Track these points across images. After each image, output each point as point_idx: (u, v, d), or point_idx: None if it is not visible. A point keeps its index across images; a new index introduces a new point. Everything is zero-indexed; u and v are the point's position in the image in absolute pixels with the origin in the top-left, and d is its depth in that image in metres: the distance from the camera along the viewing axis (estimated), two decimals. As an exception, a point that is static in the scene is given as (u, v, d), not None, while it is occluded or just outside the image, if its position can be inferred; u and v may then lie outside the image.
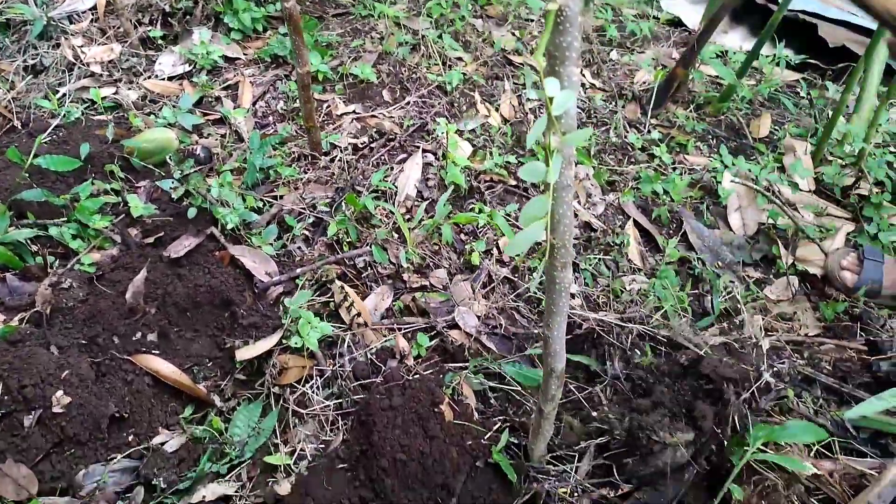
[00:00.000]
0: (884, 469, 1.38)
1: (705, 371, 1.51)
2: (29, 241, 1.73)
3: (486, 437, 1.51)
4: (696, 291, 1.90)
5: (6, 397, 1.40)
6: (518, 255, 1.86)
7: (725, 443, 1.48)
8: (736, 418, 1.51)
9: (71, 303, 1.63)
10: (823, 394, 1.64)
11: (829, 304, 1.86)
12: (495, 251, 1.92)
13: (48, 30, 2.33)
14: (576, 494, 1.47)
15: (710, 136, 2.47)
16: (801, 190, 2.21)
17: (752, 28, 3.19)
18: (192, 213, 1.85)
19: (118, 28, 2.41)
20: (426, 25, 2.66)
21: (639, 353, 1.65)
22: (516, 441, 1.52)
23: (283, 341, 1.63)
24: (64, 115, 2.09)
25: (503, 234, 1.91)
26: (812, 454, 1.51)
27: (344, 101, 2.34)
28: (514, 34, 2.78)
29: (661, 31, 3.05)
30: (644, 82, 2.64)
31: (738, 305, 1.82)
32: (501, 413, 1.59)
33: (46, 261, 1.71)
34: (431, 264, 1.84)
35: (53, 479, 1.38)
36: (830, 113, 2.34)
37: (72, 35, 2.35)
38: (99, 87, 2.23)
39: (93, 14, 2.45)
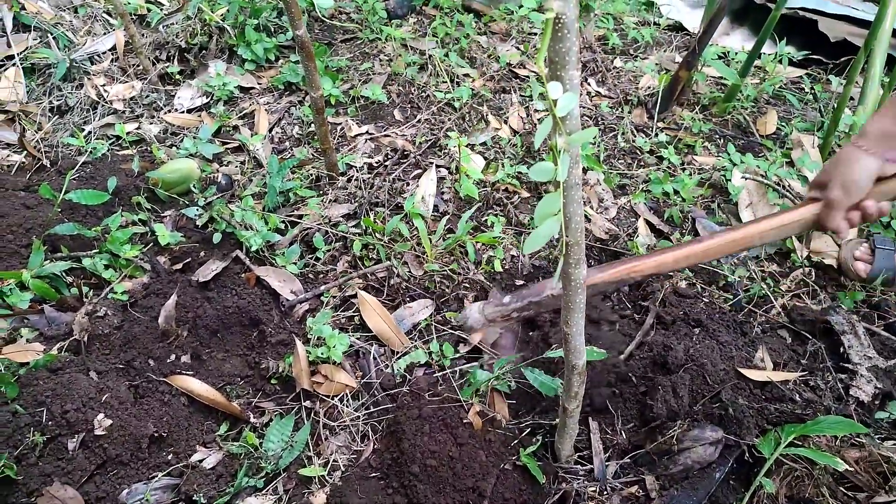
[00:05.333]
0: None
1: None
2: (64, 274, 1.80)
3: (514, 440, 1.54)
4: (711, 289, 1.93)
5: (50, 423, 1.45)
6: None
7: (756, 440, 1.51)
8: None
9: (107, 330, 1.69)
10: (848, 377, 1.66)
11: (849, 294, 1.88)
12: (509, 264, 1.97)
13: (71, 71, 2.43)
14: (605, 493, 1.49)
15: (717, 136, 2.51)
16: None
17: (752, 28, 3.23)
18: (216, 238, 1.92)
19: (137, 66, 2.51)
20: (432, 45, 2.74)
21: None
22: (544, 442, 1.55)
23: (310, 356, 1.68)
24: (90, 152, 2.18)
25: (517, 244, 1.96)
26: (838, 442, 1.52)
27: (357, 123, 2.41)
28: (518, 48, 2.84)
29: (663, 37, 3.10)
30: (649, 87, 2.69)
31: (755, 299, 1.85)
32: (528, 415, 1.62)
33: (81, 291, 1.78)
34: (453, 275, 1.89)
35: (98, 500, 1.43)
36: (835, 106, 2.36)
37: (94, 75, 2.45)
38: (123, 122, 2.32)
39: (112, 54, 2.55)
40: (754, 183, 2.19)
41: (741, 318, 1.80)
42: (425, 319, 1.80)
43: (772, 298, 1.86)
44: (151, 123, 2.36)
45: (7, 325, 1.67)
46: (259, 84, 2.58)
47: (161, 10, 2.74)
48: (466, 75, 2.64)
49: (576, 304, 1.17)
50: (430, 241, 1.93)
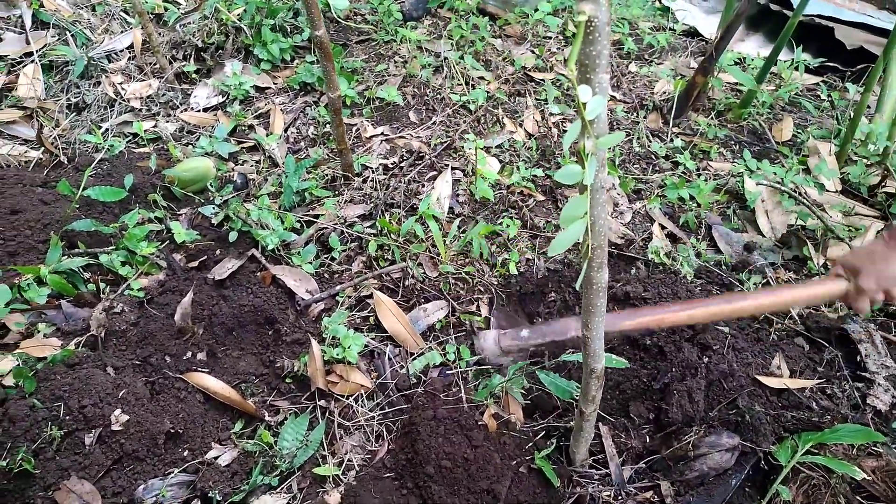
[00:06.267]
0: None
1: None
2: (81, 269, 1.81)
3: (528, 443, 1.54)
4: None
5: (68, 417, 1.46)
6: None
7: (772, 447, 1.50)
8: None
9: (123, 326, 1.70)
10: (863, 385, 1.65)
11: (863, 302, 1.87)
12: (524, 266, 1.96)
13: (89, 69, 2.45)
14: (620, 498, 1.49)
15: (732, 142, 2.50)
16: (827, 191, 2.23)
17: (768, 34, 3.22)
18: (232, 236, 1.92)
19: (154, 64, 2.52)
20: (448, 48, 2.74)
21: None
22: (558, 445, 1.54)
23: (326, 355, 1.68)
24: (108, 149, 2.19)
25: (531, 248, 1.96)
26: (855, 450, 1.52)
27: (372, 124, 2.41)
28: (533, 52, 2.84)
29: (678, 42, 3.10)
30: (664, 92, 2.68)
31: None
32: (543, 418, 1.62)
33: (98, 287, 1.79)
34: (468, 277, 1.89)
35: (115, 495, 1.44)
36: (852, 114, 2.35)
37: (111, 73, 2.46)
38: (140, 120, 2.33)
39: (130, 52, 2.57)
40: (770, 189, 2.18)
41: (757, 325, 1.79)
42: (440, 321, 1.80)
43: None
44: (168, 121, 2.37)
45: (25, 319, 1.68)
46: (274, 84, 2.59)
47: (178, 9, 2.76)
48: (482, 78, 2.65)
49: (597, 308, 1.17)
50: (445, 243, 1.93)
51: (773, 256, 2.01)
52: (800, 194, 2.15)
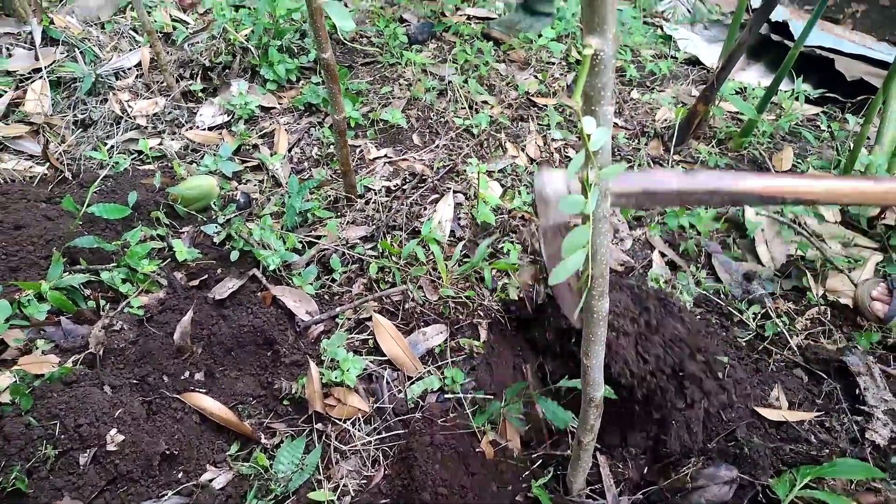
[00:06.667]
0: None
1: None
2: (82, 286, 1.81)
3: (525, 471, 1.53)
4: (727, 325, 1.92)
5: (63, 436, 1.46)
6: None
7: (770, 480, 1.49)
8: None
9: (122, 344, 1.70)
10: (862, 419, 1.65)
11: (864, 335, 1.87)
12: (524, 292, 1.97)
13: (96, 86, 2.47)
14: (616, 528, 1.48)
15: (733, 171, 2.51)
16: (826, 221, 2.24)
17: (769, 64, 3.26)
18: (234, 256, 1.93)
19: (161, 83, 2.54)
20: (452, 71, 2.77)
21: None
22: (555, 473, 1.54)
23: (324, 378, 1.68)
24: (112, 166, 2.20)
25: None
26: (854, 486, 1.51)
27: (375, 146, 2.43)
28: (536, 77, 2.87)
29: (680, 70, 3.13)
30: (665, 120, 2.70)
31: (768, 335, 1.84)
32: (540, 445, 1.61)
33: (98, 304, 1.79)
34: (468, 302, 1.89)
35: (108, 516, 1.43)
36: (852, 145, 2.37)
37: (118, 90, 2.49)
38: (145, 138, 2.35)
39: (138, 70, 2.59)
40: (770, 219, 2.19)
41: (756, 356, 1.79)
42: (439, 345, 1.80)
43: (787, 337, 1.86)
44: (173, 139, 2.39)
45: (24, 335, 1.68)
46: (280, 104, 2.61)
47: (187, 28, 2.79)
48: (485, 102, 2.67)
49: (597, 337, 1.17)
50: (446, 267, 1.93)
51: (773, 286, 2.02)
52: (799, 224, 2.16)
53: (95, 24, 2.72)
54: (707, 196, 1.32)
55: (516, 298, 1.91)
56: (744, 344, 1.84)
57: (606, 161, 0.92)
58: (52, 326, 1.72)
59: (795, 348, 1.84)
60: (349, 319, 1.85)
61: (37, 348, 1.67)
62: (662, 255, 2.13)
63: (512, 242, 2.06)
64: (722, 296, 1.99)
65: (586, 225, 0.92)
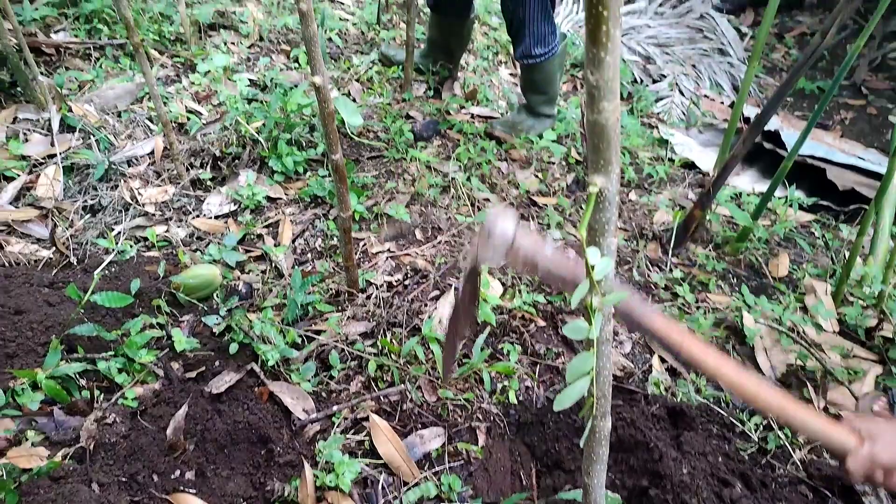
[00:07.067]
0: None
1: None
2: (77, 375, 1.79)
3: (523, 590, 1.47)
4: (728, 436, 1.90)
5: (45, 537, 1.40)
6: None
7: None
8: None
9: (114, 438, 1.66)
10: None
11: (865, 450, 1.84)
12: (524, 395, 1.95)
13: (109, 173, 2.53)
14: None
15: (730, 275, 2.55)
16: (825, 331, 2.25)
17: (762, 170, 3.37)
18: (233, 348, 1.92)
19: (172, 171, 2.61)
20: (455, 168, 2.85)
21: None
22: None
23: (318, 481, 1.63)
24: (118, 253, 2.23)
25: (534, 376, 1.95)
26: None
27: (378, 240, 2.46)
28: (537, 176, 2.95)
29: (676, 174, 3.23)
30: (663, 222, 2.77)
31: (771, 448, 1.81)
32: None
33: (93, 394, 1.76)
34: (467, 404, 1.87)
35: None
36: (847, 254, 2.42)
37: (130, 177, 2.54)
38: (152, 225, 2.38)
39: (150, 158, 2.66)
40: (768, 328, 2.21)
41: (760, 471, 1.76)
42: (437, 449, 1.77)
43: (790, 450, 1.83)
44: (179, 227, 2.42)
45: (15, 426, 1.64)
46: (286, 195, 2.67)
47: (200, 119, 2.89)
48: (486, 199, 2.73)
49: (598, 456, 1.16)
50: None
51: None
52: (798, 334, 2.17)
53: (112, 113, 2.81)
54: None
55: (516, 402, 1.89)
56: (746, 458, 1.81)
57: (609, 287, 0.94)
58: (44, 417, 1.69)
59: (798, 463, 1.81)
60: (346, 419, 1.82)
61: (27, 440, 1.63)
62: (662, 360, 2.12)
63: (512, 343, 2.06)
64: (723, 404, 1.98)
65: (590, 352, 0.93)
